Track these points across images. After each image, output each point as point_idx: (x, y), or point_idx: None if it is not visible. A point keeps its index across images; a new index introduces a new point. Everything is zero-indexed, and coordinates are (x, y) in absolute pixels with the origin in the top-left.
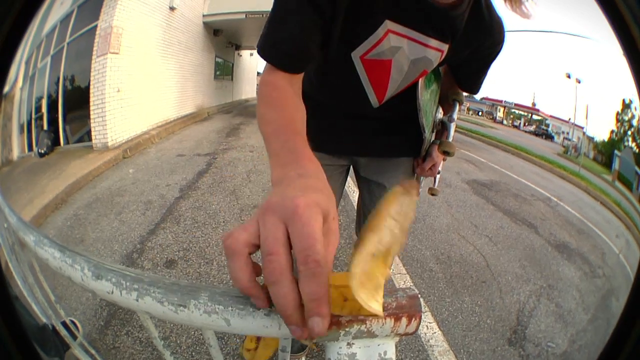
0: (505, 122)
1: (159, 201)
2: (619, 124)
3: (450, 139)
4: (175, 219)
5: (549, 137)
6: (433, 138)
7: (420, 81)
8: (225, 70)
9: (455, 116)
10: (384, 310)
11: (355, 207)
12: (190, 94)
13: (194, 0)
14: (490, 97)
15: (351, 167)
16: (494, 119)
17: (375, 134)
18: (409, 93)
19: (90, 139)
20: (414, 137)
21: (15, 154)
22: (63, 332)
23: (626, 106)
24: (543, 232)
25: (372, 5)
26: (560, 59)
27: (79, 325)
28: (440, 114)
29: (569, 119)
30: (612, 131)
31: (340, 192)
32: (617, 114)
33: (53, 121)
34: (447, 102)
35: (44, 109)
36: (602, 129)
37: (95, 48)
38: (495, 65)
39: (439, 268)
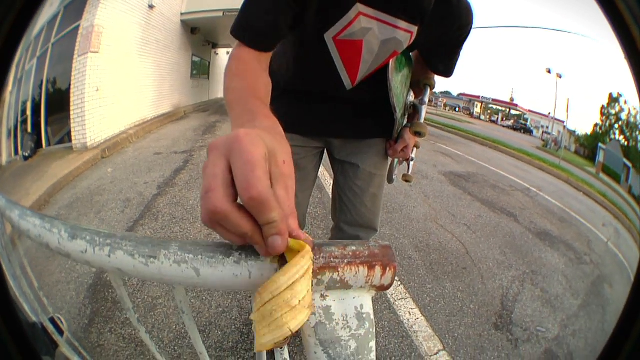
0: (482, 117)
1: (138, 199)
2: (603, 117)
3: (422, 121)
4: (154, 215)
5: (527, 131)
6: (405, 121)
7: (391, 63)
8: (201, 69)
9: (426, 99)
10: (357, 258)
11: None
12: (167, 93)
13: (172, 0)
14: (467, 92)
15: (325, 150)
16: (471, 115)
17: (349, 116)
18: (381, 75)
19: (70, 140)
20: (387, 119)
21: (4, 158)
22: (51, 328)
23: (613, 100)
24: (523, 220)
25: None
26: (540, 54)
27: (64, 322)
28: (411, 98)
29: (549, 113)
30: (596, 124)
31: (314, 175)
32: (602, 107)
33: (36, 124)
34: (418, 86)
35: (29, 112)
36: (584, 123)
37: (77, 48)
38: (473, 61)
39: (418, 256)
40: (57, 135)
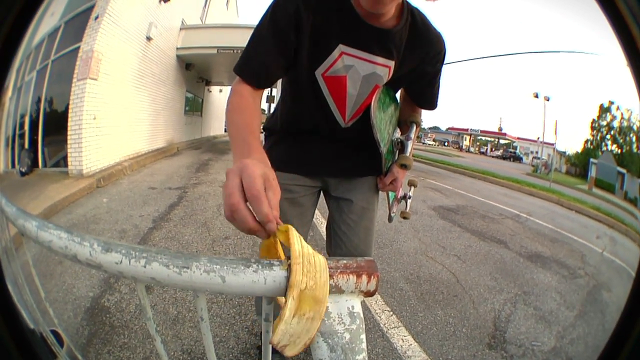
0: (472, 149)
1: (133, 230)
2: (594, 131)
3: (407, 154)
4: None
5: (517, 159)
6: (396, 158)
7: (374, 102)
8: (195, 106)
9: (412, 135)
10: (347, 269)
11: (325, 234)
12: (161, 128)
13: (169, 33)
14: (455, 126)
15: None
16: (460, 148)
17: (345, 155)
18: (369, 116)
19: (66, 165)
20: (378, 157)
21: (1, 167)
22: (51, 339)
23: (604, 110)
24: (513, 246)
25: (328, 33)
26: (527, 79)
27: (63, 336)
28: (398, 134)
29: (538, 138)
30: (587, 140)
31: (312, 212)
32: (593, 121)
33: (34, 142)
34: (406, 124)
35: (27, 127)
36: (575, 142)
37: (76, 71)
38: (460, 95)
39: (409, 287)
40: (53, 157)
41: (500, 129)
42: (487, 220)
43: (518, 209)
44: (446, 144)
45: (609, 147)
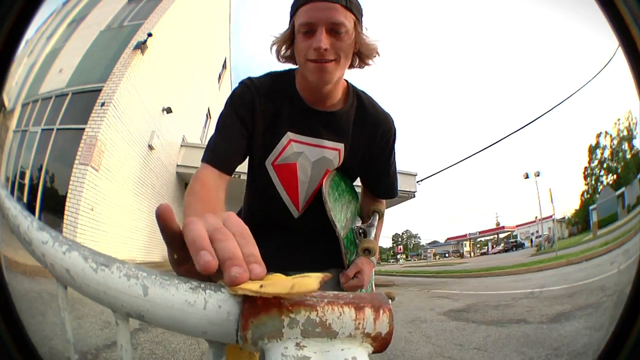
0: (472, 253)
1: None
2: (588, 179)
3: (371, 238)
4: (133, 345)
5: (519, 246)
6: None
7: (325, 180)
8: None
9: (375, 223)
10: (339, 299)
11: None
12: (158, 243)
13: (170, 147)
14: (453, 235)
15: None
16: (461, 255)
17: (300, 249)
18: (323, 205)
19: None
20: (337, 247)
21: None
22: None
23: (593, 149)
24: (533, 319)
25: (278, 122)
26: (513, 165)
27: None
28: (359, 223)
29: (536, 217)
30: (583, 192)
31: None
32: (585, 169)
33: (31, 208)
34: (368, 215)
35: (26, 190)
36: (571, 201)
37: (78, 154)
38: (451, 205)
39: None
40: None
41: (498, 223)
42: (501, 308)
43: (530, 287)
44: (447, 255)
45: (605, 181)
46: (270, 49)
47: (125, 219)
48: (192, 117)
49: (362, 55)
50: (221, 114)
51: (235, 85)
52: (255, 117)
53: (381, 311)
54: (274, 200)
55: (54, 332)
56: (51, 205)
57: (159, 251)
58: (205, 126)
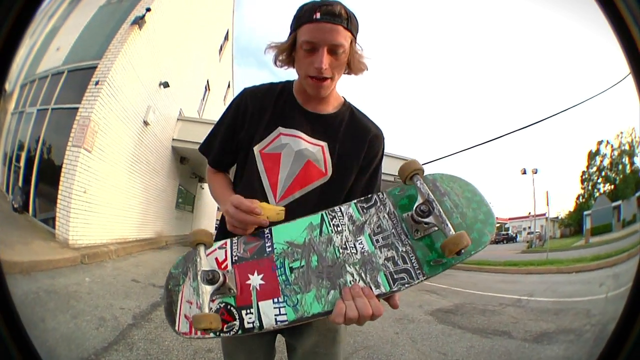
0: None
1: (113, 322)
2: (585, 183)
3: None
4: (128, 345)
5: (510, 239)
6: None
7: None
8: (187, 201)
9: (432, 196)
10: None
11: None
12: (151, 218)
13: (166, 122)
14: None
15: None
16: None
17: None
18: (305, 210)
19: (54, 226)
20: None
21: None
22: None
23: (593, 155)
24: (517, 333)
25: (271, 119)
26: (511, 159)
27: None
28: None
29: (529, 213)
30: (578, 196)
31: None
32: (583, 173)
33: (27, 181)
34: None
35: (22, 163)
36: (566, 202)
37: (72, 135)
38: None
39: None
40: (43, 212)
41: None
42: (488, 314)
43: (518, 293)
44: None
45: (602, 189)
46: (266, 51)
47: (119, 198)
48: (190, 90)
49: (351, 67)
50: (223, 113)
51: (236, 66)
52: (247, 117)
53: None
54: (257, 183)
55: (54, 332)
56: (45, 190)
57: (150, 227)
58: (203, 99)
